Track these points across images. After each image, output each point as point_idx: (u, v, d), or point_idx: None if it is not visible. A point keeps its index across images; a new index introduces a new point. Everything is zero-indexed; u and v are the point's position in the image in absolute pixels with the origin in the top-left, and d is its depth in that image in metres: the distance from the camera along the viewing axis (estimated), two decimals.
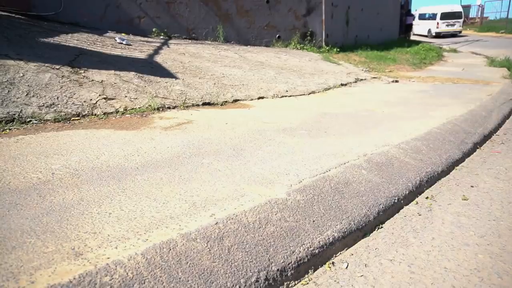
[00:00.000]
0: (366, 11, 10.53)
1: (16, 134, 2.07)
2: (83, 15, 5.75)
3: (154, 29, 6.27)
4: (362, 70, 6.57)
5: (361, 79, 5.57)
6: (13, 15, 4.89)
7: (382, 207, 1.44)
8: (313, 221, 1.23)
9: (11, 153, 1.71)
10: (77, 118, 2.50)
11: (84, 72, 3.08)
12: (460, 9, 22.57)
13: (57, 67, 3.00)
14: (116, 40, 4.68)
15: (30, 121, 2.34)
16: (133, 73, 3.36)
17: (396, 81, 5.79)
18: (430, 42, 15.51)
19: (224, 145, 1.97)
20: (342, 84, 4.90)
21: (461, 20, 22.23)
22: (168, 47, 5.17)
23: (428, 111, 3.05)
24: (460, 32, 22.28)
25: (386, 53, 9.27)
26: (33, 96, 2.56)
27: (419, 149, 1.99)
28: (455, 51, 12.84)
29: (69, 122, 2.41)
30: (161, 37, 6.21)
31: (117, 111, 2.70)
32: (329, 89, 4.47)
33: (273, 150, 1.90)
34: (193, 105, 3.10)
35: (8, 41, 3.21)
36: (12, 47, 3.09)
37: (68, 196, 1.28)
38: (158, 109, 2.87)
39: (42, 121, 2.37)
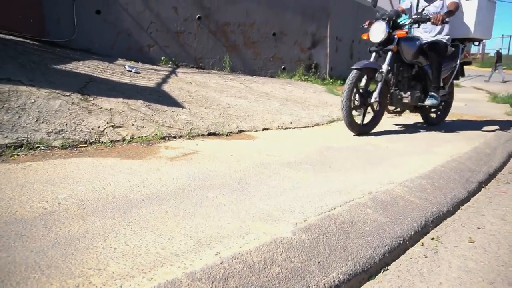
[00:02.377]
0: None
1: (24, 160, 2.09)
2: (94, 42, 5.93)
3: (162, 58, 6.44)
4: None
5: None
6: (28, 41, 5.05)
7: (388, 248, 1.42)
8: (319, 262, 1.22)
9: (18, 180, 1.73)
10: (84, 145, 2.53)
11: (93, 99, 3.15)
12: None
13: (68, 93, 3.07)
14: (125, 68, 4.80)
15: (38, 147, 2.36)
16: (141, 101, 3.42)
17: (399, 115, 5.84)
18: None
19: (229, 178, 1.98)
20: None
21: None
22: (176, 76, 5.29)
23: (431, 147, 3.07)
24: None
25: None
26: (42, 122, 2.60)
27: (423, 187, 1.99)
28: (457, 85, 12.99)
29: (76, 149, 2.44)
30: (169, 65, 6.36)
31: (123, 139, 2.73)
32: (333, 121, 4.52)
33: (278, 184, 1.90)
34: (198, 135, 3.13)
35: (22, 67, 3.30)
36: (26, 73, 3.18)
37: (73, 228, 1.28)
38: (164, 138, 2.90)
39: (50, 148, 2.39)
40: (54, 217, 1.35)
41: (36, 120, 2.59)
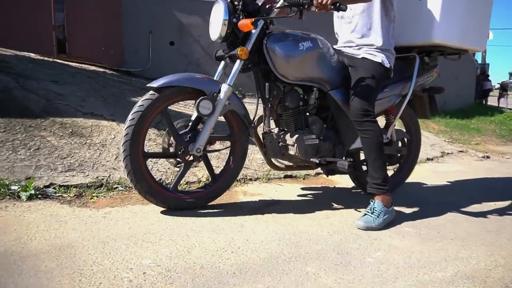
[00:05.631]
0: (444, 77, 10.06)
1: (103, 205, 2.00)
2: (166, 71, 6.05)
3: None
4: (445, 141, 6.05)
5: (448, 153, 5.07)
6: (107, 71, 5.30)
7: None
8: None
9: (100, 234, 1.60)
10: None
11: None
12: None
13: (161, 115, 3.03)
14: None
15: (116, 187, 2.28)
16: None
17: (488, 157, 5.20)
18: None
19: (325, 243, 1.69)
20: (428, 159, 4.46)
21: None
22: None
23: None
24: None
25: (467, 121, 8.63)
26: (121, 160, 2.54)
27: None
28: None
29: None
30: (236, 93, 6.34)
31: (199, 181, 2.58)
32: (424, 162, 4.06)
33: (386, 258, 1.58)
34: (274, 177, 2.90)
35: (104, 101, 3.36)
36: (107, 107, 3.22)
37: None
38: (239, 180, 2.71)
39: (128, 189, 2.30)
40: None
41: (116, 158, 2.54)
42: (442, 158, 4.76)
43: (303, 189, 2.69)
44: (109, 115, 3.04)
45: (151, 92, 1.88)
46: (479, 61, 20.21)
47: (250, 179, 2.78)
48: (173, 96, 1.92)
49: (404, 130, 2.75)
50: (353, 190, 2.76)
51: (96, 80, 4.08)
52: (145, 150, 1.99)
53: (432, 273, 1.46)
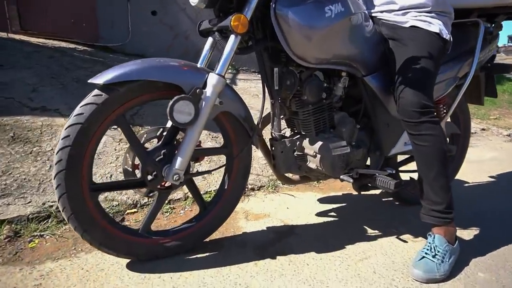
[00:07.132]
0: None
1: (44, 256, 1.37)
2: (149, 45, 5.35)
3: None
4: None
5: (472, 133, 4.47)
6: (80, 47, 4.55)
7: None
8: None
9: None
10: (133, 210, 1.80)
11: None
12: None
13: (115, 126, 2.37)
14: None
15: None
16: (205, 132, 2.65)
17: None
18: None
19: None
20: None
21: None
22: (236, 85, 4.52)
23: None
24: None
25: None
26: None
27: None
28: None
29: (122, 220, 1.70)
30: (229, 71, 5.62)
31: (186, 197, 1.96)
32: None
33: None
34: (283, 185, 2.28)
35: (63, 89, 2.67)
36: (65, 98, 2.53)
37: None
38: None
39: None
40: None
41: None
42: None
43: (320, 201, 2.08)
44: (67, 110, 2.36)
45: (95, 91, 1.20)
46: None
47: (253, 189, 2.16)
48: (132, 97, 1.23)
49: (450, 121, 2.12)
50: (383, 199, 2.17)
51: (60, 61, 3.35)
52: (94, 181, 1.32)
53: None
